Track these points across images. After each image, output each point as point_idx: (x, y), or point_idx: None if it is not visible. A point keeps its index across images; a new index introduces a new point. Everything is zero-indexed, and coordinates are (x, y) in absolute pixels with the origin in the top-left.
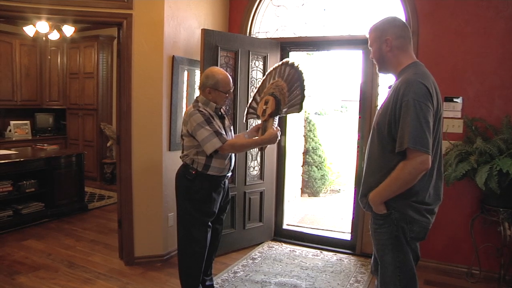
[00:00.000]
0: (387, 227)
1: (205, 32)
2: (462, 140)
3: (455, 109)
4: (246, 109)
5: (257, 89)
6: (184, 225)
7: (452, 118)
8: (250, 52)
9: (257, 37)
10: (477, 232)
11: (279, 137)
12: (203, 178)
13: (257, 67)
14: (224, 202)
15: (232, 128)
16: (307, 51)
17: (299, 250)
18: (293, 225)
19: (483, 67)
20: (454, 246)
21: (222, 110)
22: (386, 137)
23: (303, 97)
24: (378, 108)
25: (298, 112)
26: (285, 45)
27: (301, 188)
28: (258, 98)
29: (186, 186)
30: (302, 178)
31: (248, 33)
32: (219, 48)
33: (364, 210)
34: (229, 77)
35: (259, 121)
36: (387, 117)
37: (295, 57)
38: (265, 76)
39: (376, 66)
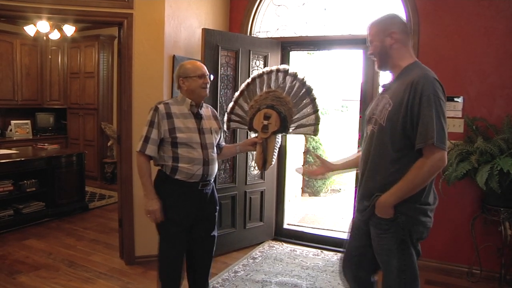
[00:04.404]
0: (392, 232)
1: (206, 32)
2: (463, 139)
3: (455, 108)
4: (227, 115)
5: (240, 92)
6: (158, 233)
7: (453, 117)
8: (251, 52)
9: (258, 37)
10: (478, 232)
11: (152, 218)
12: (171, 182)
13: (257, 66)
14: (207, 214)
15: (218, 131)
16: (307, 50)
17: (299, 249)
18: (294, 225)
19: (483, 67)
20: (455, 246)
21: (206, 109)
22: (399, 134)
23: (318, 118)
24: (378, 106)
25: (314, 135)
26: (286, 45)
27: (301, 188)
28: (245, 106)
29: (157, 191)
30: (303, 178)
31: (248, 33)
32: (219, 47)
33: (360, 214)
34: (201, 64)
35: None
36: (401, 113)
37: (295, 56)
38: (251, 79)
39: (376, 62)
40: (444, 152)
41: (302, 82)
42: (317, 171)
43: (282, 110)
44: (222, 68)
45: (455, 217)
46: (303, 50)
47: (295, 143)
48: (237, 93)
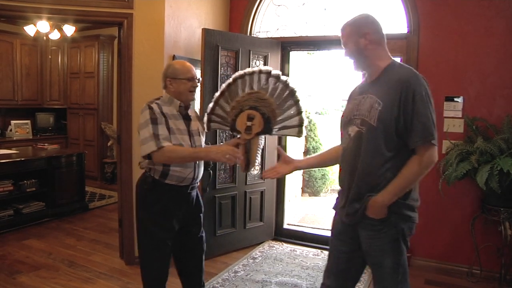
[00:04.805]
0: (385, 231)
1: (206, 32)
2: (463, 139)
3: (455, 108)
4: (207, 116)
5: (220, 92)
6: (140, 241)
7: (452, 117)
8: (251, 52)
9: (258, 37)
10: (478, 232)
11: (234, 159)
12: (160, 187)
13: (258, 66)
14: (194, 216)
15: (203, 132)
16: (307, 50)
17: (299, 249)
18: (294, 225)
19: (483, 67)
20: (455, 246)
21: (191, 110)
22: (392, 134)
23: (301, 119)
24: (361, 106)
25: (298, 136)
26: (286, 45)
27: (301, 188)
28: (226, 106)
29: (142, 196)
30: (303, 178)
31: (248, 33)
32: (219, 47)
33: (351, 218)
34: (190, 65)
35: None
36: (393, 112)
37: (295, 56)
38: (232, 79)
39: (353, 64)
40: (436, 148)
41: (285, 84)
42: (277, 170)
43: (266, 111)
44: (222, 68)
45: (455, 217)
46: (303, 50)
47: (295, 144)
48: (217, 94)
